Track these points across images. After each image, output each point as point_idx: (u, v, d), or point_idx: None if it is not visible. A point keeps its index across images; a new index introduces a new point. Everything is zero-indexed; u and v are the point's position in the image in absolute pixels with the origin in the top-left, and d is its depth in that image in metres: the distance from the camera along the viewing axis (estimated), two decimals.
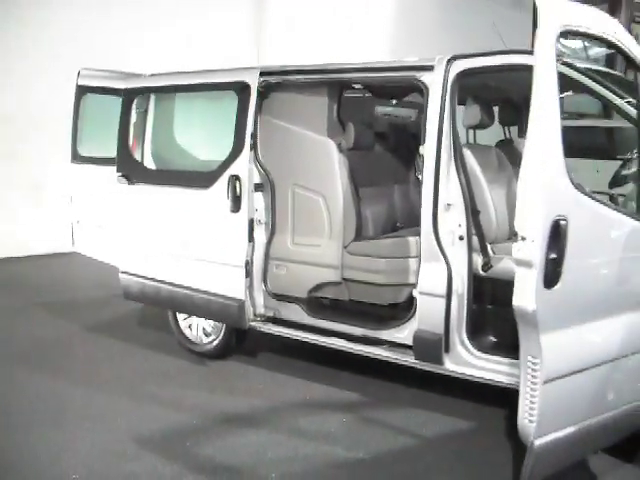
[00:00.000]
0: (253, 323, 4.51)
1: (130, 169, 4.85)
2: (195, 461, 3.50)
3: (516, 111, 4.84)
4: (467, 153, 3.90)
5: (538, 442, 2.61)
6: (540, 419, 2.58)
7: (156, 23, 8.90)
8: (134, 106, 4.87)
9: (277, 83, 4.36)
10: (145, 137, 4.88)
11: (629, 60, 2.86)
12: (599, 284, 2.76)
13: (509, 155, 4.62)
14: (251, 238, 4.37)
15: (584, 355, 2.72)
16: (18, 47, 8.09)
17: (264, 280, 4.57)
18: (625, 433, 3.13)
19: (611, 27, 2.77)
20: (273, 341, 4.70)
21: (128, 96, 4.89)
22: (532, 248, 2.39)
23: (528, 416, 2.60)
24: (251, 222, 4.36)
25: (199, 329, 4.90)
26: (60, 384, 4.43)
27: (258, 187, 4.50)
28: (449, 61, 3.64)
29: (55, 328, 5.64)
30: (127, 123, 4.87)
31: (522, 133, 4.93)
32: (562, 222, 2.43)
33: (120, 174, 4.86)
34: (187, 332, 4.98)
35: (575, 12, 2.57)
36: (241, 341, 4.87)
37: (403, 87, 4.39)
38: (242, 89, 4.30)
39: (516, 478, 3.11)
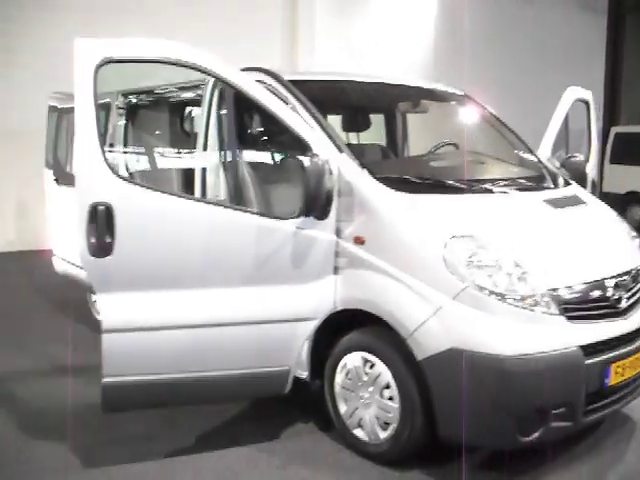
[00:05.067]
0: None
1: (57, 173, 6.07)
2: None
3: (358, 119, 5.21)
4: None
5: (105, 380, 3.23)
6: (106, 362, 3.20)
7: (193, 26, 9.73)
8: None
9: None
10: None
11: (206, 73, 3.33)
12: (160, 260, 3.23)
13: None
14: None
15: (148, 317, 3.23)
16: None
17: None
18: (209, 399, 3.65)
19: (163, 50, 3.21)
20: None
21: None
22: (76, 227, 3.09)
23: None
24: None
25: None
26: None
27: None
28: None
29: None
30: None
31: None
32: (100, 207, 3.02)
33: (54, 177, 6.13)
34: None
35: (114, 46, 3.13)
36: None
37: None
38: None
39: None
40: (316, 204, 3.31)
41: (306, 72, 4.14)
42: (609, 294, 3.37)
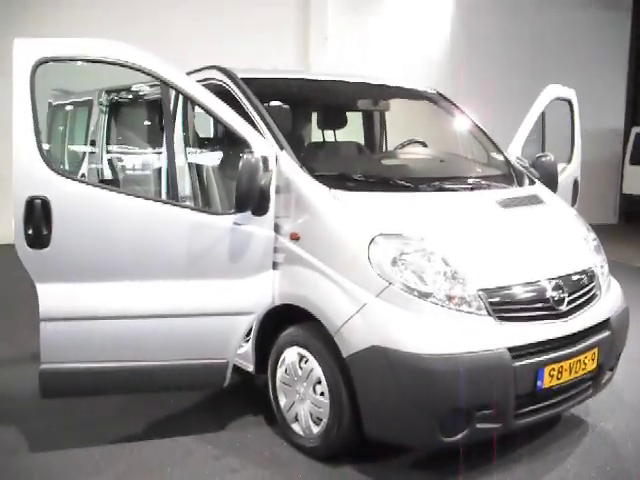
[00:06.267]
0: None
1: None
2: None
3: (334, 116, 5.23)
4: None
5: (43, 366, 3.33)
6: (43, 349, 3.31)
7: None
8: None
9: None
10: None
11: (145, 72, 3.32)
12: (97, 252, 3.31)
13: None
14: None
15: (84, 307, 3.32)
16: None
17: None
18: (145, 389, 3.69)
19: (102, 50, 3.26)
20: None
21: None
22: (13, 220, 3.20)
23: None
24: None
25: None
26: None
27: None
28: None
29: None
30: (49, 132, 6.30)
31: None
32: (37, 201, 3.13)
33: None
34: None
35: (52, 45, 3.20)
36: None
37: None
38: None
39: None
40: (248, 200, 3.35)
41: (262, 70, 4.18)
42: (547, 295, 3.33)
